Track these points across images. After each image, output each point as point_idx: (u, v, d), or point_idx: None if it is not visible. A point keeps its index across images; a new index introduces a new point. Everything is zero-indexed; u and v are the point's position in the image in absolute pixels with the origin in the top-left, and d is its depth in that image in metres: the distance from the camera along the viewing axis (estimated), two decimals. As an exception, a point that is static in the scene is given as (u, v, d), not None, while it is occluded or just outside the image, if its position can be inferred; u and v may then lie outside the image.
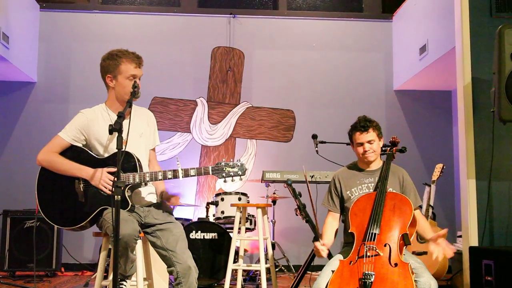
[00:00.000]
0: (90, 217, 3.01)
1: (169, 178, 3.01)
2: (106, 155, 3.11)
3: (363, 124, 3.30)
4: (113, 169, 2.96)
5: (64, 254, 6.29)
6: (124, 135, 2.68)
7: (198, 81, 7.31)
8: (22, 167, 6.67)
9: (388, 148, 3.54)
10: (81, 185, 3.03)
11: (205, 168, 3.00)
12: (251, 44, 7.41)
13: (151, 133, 3.32)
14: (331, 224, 3.37)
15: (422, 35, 6.45)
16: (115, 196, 2.51)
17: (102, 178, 2.98)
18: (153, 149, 3.36)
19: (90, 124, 3.14)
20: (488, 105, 4.22)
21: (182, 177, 2.99)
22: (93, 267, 6.26)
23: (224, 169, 2.99)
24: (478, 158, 4.67)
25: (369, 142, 3.30)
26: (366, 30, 7.50)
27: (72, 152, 3.11)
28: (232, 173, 3.00)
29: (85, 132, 3.14)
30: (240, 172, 3.01)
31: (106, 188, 2.97)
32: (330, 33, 7.47)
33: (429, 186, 5.00)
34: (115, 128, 2.62)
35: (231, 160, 3.04)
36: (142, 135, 3.23)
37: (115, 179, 2.58)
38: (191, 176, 3.01)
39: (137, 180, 2.98)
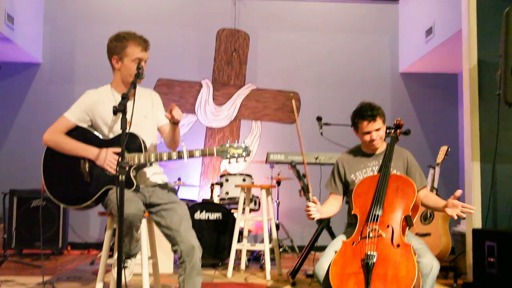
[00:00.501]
0: (95, 197, 3.05)
1: (174, 159, 3.03)
2: (111, 136, 3.13)
3: (370, 113, 3.23)
4: (119, 149, 2.97)
5: (70, 233, 6.36)
6: (128, 116, 2.69)
7: (203, 62, 7.30)
8: (28, 147, 6.71)
9: (392, 131, 3.54)
10: (87, 165, 3.05)
11: (209, 149, 3.02)
12: (256, 26, 7.37)
13: (157, 113, 3.33)
14: (331, 202, 3.37)
15: (429, 17, 6.40)
16: (119, 176, 2.53)
17: (108, 158, 3.01)
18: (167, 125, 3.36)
19: (95, 105, 3.15)
20: (494, 88, 4.21)
21: (187, 158, 3.01)
22: (99, 246, 6.32)
23: (229, 150, 3.00)
24: (483, 140, 4.68)
25: (376, 130, 3.28)
26: (372, 12, 7.44)
27: (77, 133, 3.13)
28: (236, 154, 3.01)
29: (90, 113, 3.16)
30: (244, 154, 3.02)
31: (111, 168, 2.99)
32: (336, 15, 7.43)
33: (434, 168, 5.01)
34: (119, 109, 2.63)
35: (236, 141, 3.05)
36: (147, 116, 3.24)
37: (120, 159, 2.60)
38: (196, 157, 3.02)
39: (142, 160, 3.00)
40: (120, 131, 2.63)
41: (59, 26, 7.12)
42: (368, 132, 3.28)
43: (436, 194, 5.00)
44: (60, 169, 3.12)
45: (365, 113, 3.24)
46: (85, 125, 3.17)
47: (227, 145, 3.01)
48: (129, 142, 2.99)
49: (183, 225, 3.05)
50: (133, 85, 2.91)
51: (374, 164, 3.34)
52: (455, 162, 6.96)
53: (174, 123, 3.08)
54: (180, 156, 3.01)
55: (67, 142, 3.09)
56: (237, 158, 3.01)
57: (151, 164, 3.12)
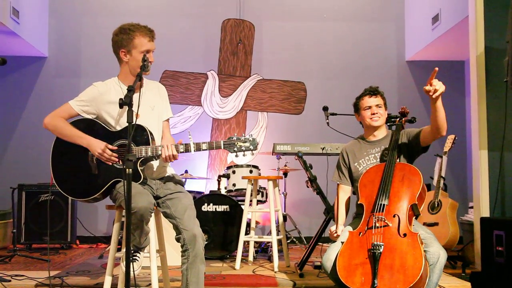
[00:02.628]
0: (103, 190, 3.06)
1: (181, 152, 3.03)
2: (118, 128, 3.13)
3: (372, 90, 3.43)
4: (115, 148, 3.02)
5: (79, 227, 6.39)
6: (134, 108, 2.69)
7: (208, 54, 7.28)
8: (36, 141, 6.75)
9: (398, 119, 3.54)
10: (94, 158, 3.06)
11: (216, 143, 3.01)
12: (261, 16, 7.34)
13: (163, 106, 3.33)
14: (343, 199, 3.40)
15: (435, 4, 6.34)
16: (126, 170, 2.53)
17: (100, 147, 3.00)
18: (167, 121, 3.38)
19: (102, 97, 3.15)
20: (502, 74, 4.17)
21: (194, 151, 3.01)
22: (107, 239, 6.36)
23: (236, 143, 3.00)
24: (490, 128, 4.65)
25: (377, 106, 3.38)
26: (378, 0, 7.39)
27: (85, 124, 3.14)
28: (243, 148, 3.00)
29: (95, 104, 3.16)
30: (251, 147, 3.01)
31: (102, 158, 3.00)
32: (341, 3, 7.37)
33: (441, 157, 4.99)
34: (125, 102, 2.63)
35: (243, 134, 3.05)
36: (154, 108, 3.25)
37: (122, 152, 2.60)
38: (203, 150, 3.03)
39: (149, 153, 3.01)
40: (126, 124, 2.63)
41: (65, 19, 7.13)
42: (369, 107, 3.38)
43: (444, 183, 4.98)
44: (68, 162, 3.12)
45: (366, 90, 3.46)
46: (89, 117, 3.17)
47: (235, 138, 3.01)
48: (136, 134, 3.01)
49: (187, 213, 3.06)
50: (139, 78, 2.90)
51: (377, 151, 3.38)
52: (462, 151, 6.93)
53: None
54: (187, 149, 3.01)
55: (66, 128, 3.09)
56: (244, 152, 3.01)
57: (158, 157, 3.12)
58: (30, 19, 6.44)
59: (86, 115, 3.17)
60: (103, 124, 3.15)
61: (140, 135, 3.04)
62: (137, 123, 3.01)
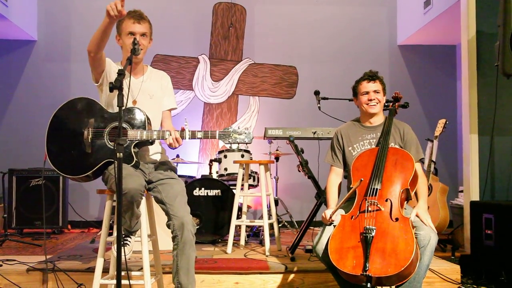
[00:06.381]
0: (95, 169, 3.05)
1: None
2: (116, 110, 3.10)
3: (371, 74, 3.39)
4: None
5: (70, 211, 6.38)
6: (128, 93, 2.68)
7: (199, 38, 7.24)
8: (26, 126, 6.71)
9: (391, 104, 3.53)
10: (90, 136, 3.05)
11: (212, 132, 3.01)
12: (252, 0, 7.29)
13: (164, 95, 3.33)
14: (335, 182, 3.38)
15: (427, -12, 6.33)
16: (118, 154, 2.52)
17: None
18: (169, 111, 3.38)
19: (108, 73, 3.15)
20: (493, 59, 4.17)
21: (189, 138, 3.02)
22: (99, 224, 6.34)
23: (231, 135, 3.00)
24: (481, 113, 4.67)
25: (375, 91, 3.35)
26: (370, -16, 7.36)
27: (85, 103, 3.15)
28: (238, 140, 3.01)
29: (105, 74, 3.14)
30: (246, 140, 3.01)
31: (109, 7, 2.83)
32: (333, -13, 7.35)
33: (432, 141, 5.01)
34: (115, 86, 2.61)
35: (238, 127, 3.04)
36: (153, 97, 3.26)
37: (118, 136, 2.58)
38: (198, 138, 3.03)
39: (144, 137, 3.00)
40: (124, 107, 2.62)
41: (55, 1, 7.03)
42: (367, 93, 3.35)
43: (434, 167, 5.01)
44: (63, 139, 3.12)
45: (365, 74, 3.41)
46: (105, 79, 3.15)
47: (230, 129, 3.01)
48: (133, 117, 3.04)
49: (177, 200, 3.06)
50: (129, 61, 2.88)
51: (372, 137, 3.36)
52: (453, 135, 6.97)
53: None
54: (182, 136, 3.01)
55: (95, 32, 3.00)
56: (239, 144, 3.01)
57: (153, 142, 3.12)
58: (19, 2, 6.36)
59: (104, 72, 3.14)
60: (102, 105, 3.15)
61: (137, 118, 3.05)
62: (135, 106, 3.08)
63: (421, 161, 3.46)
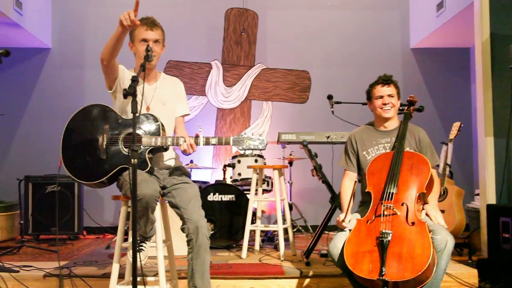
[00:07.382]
0: (109, 175, 3.06)
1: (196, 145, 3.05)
2: (130, 116, 3.12)
3: (385, 78, 3.36)
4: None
5: (85, 218, 6.42)
6: (140, 99, 2.69)
7: (212, 43, 7.26)
8: (41, 133, 6.78)
9: (406, 108, 3.51)
10: (104, 142, 3.07)
11: (226, 139, 3.02)
12: (264, 4, 7.31)
13: (177, 102, 3.35)
14: (349, 186, 3.36)
15: (440, -10, 6.30)
16: (132, 160, 2.53)
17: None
18: (182, 117, 3.40)
19: (122, 80, 3.17)
20: (507, 61, 4.14)
21: (203, 144, 3.03)
22: (114, 230, 6.37)
23: (245, 141, 3.01)
24: (496, 115, 4.63)
25: (389, 95, 3.32)
26: (382, -13, 7.34)
27: (100, 109, 3.16)
28: (252, 146, 3.01)
29: (118, 82, 3.16)
30: (260, 146, 3.02)
31: (122, 17, 2.88)
32: (345, -9, 7.34)
33: (447, 144, 4.97)
34: (129, 92, 2.62)
35: (252, 133, 3.04)
36: (166, 103, 3.27)
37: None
38: (212, 144, 3.04)
39: (158, 143, 3.01)
40: (138, 114, 2.64)
41: (68, 10, 7.11)
42: (381, 97, 3.33)
43: (450, 170, 4.97)
44: (78, 145, 3.13)
45: (380, 78, 3.38)
46: (116, 87, 3.16)
47: (244, 135, 3.01)
48: (148, 123, 3.07)
49: (191, 203, 3.07)
50: (143, 68, 2.89)
51: (387, 141, 3.34)
52: (468, 138, 6.91)
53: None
54: (196, 143, 3.02)
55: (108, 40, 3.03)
56: (252, 150, 3.02)
57: (167, 148, 3.14)
58: (33, 11, 6.43)
59: (117, 80, 3.15)
60: (116, 112, 3.17)
61: (151, 124, 3.07)
62: (149, 113, 3.10)
63: (437, 166, 3.43)
